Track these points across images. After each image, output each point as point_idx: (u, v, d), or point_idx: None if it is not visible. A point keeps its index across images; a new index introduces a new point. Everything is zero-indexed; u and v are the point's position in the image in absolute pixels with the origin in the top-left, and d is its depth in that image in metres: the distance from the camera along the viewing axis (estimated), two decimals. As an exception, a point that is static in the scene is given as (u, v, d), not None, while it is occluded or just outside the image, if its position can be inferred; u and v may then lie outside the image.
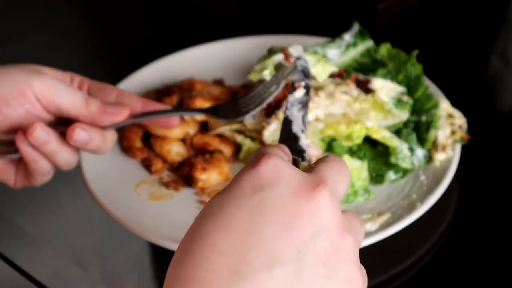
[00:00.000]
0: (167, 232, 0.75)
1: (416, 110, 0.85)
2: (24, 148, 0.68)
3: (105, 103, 0.71)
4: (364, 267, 0.48)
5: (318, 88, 0.84)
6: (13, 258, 0.77)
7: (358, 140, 0.82)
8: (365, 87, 0.83)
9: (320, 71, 0.82)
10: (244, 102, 0.77)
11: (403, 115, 0.83)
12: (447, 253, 0.77)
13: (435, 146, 0.83)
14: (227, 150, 0.86)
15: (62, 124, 0.71)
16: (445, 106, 0.86)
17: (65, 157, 0.70)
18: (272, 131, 0.83)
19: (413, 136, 0.83)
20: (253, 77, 0.83)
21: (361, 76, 0.85)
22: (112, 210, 0.77)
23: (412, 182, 0.81)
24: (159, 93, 0.93)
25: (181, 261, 0.45)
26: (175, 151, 0.85)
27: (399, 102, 0.83)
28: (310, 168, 0.49)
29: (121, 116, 0.72)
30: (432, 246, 0.78)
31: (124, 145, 0.87)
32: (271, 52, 0.85)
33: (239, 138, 0.86)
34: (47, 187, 0.75)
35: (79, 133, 0.69)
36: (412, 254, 0.77)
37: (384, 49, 0.91)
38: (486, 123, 0.93)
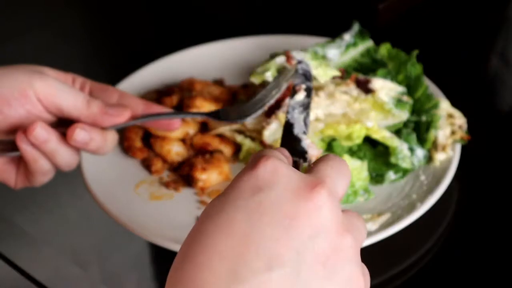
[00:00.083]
0: (167, 232, 0.75)
1: (416, 110, 0.85)
2: (24, 147, 0.68)
3: (106, 104, 0.71)
4: (364, 267, 0.48)
5: (318, 88, 0.84)
6: (13, 258, 0.77)
7: (358, 140, 0.82)
8: (365, 87, 0.83)
9: (322, 74, 0.82)
10: (246, 107, 0.77)
11: (403, 115, 0.83)
12: (447, 253, 0.77)
13: (435, 146, 0.83)
14: (227, 150, 0.86)
15: (63, 125, 0.71)
16: (445, 106, 0.86)
17: (65, 157, 0.70)
18: (272, 131, 0.83)
19: (413, 136, 0.83)
20: (255, 79, 0.83)
21: (361, 76, 0.85)
22: (112, 210, 0.77)
23: (412, 182, 0.81)
24: (159, 93, 0.93)
25: (182, 263, 0.45)
26: (175, 151, 0.85)
27: (399, 102, 0.83)
28: (310, 168, 0.49)
29: (122, 117, 0.72)
30: (432, 246, 0.78)
31: (124, 145, 0.87)
32: (273, 56, 0.85)
33: (239, 138, 0.86)
34: (47, 187, 0.75)
35: (79, 133, 0.69)
36: (412, 254, 0.77)
37: (384, 49, 0.91)
38: (486, 123, 0.93)
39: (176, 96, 0.90)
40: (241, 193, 0.46)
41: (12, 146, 0.69)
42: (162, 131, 0.83)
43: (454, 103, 0.86)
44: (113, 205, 0.77)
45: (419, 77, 0.87)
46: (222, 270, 0.43)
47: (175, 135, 0.86)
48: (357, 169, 0.81)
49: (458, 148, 0.82)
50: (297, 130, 0.61)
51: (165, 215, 0.79)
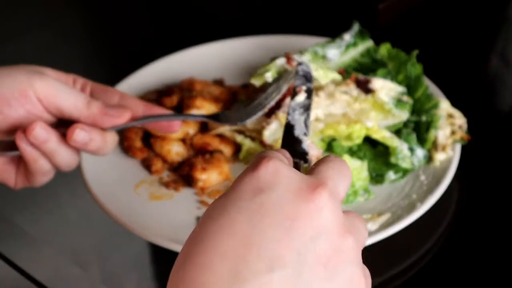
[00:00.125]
0: (167, 232, 0.75)
1: (416, 110, 0.85)
2: (24, 146, 0.68)
3: (106, 105, 0.71)
4: (364, 267, 0.48)
5: (318, 88, 0.84)
6: (13, 258, 0.77)
7: (358, 140, 0.82)
8: (365, 87, 0.83)
9: (322, 76, 0.82)
10: (247, 110, 0.77)
11: (403, 115, 0.84)
12: (447, 253, 0.77)
13: (435, 146, 0.83)
14: (227, 150, 0.86)
15: (63, 125, 0.71)
16: (445, 106, 0.86)
17: (65, 157, 0.70)
18: (272, 131, 0.83)
19: (413, 136, 0.83)
20: (256, 81, 0.83)
21: (361, 76, 0.85)
22: (112, 210, 0.77)
23: (412, 182, 0.81)
24: (159, 93, 0.93)
25: (184, 264, 0.45)
26: (175, 151, 0.85)
27: (399, 102, 0.83)
28: (311, 170, 0.49)
29: (122, 118, 0.72)
30: (432, 246, 0.78)
31: (124, 145, 0.87)
32: (274, 59, 0.85)
33: (239, 138, 0.86)
34: (47, 187, 0.75)
35: (79, 134, 0.69)
36: (412, 254, 0.77)
37: (384, 49, 0.91)
38: (486, 123, 0.93)
39: (176, 96, 0.90)
40: (243, 194, 0.46)
41: (12, 146, 0.69)
42: (163, 132, 0.83)
43: (454, 103, 0.86)
44: (113, 205, 0.77)
45: (419, 77, 0.87)
46: (224, 270, 0.43)
47: (175, 135, 0.86)
48: (357, 169, 0.81)
49: (458, 148, 0.82)
50: (298, 131, 0.61)
51: (165, 215, 0.79)
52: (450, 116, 0.85)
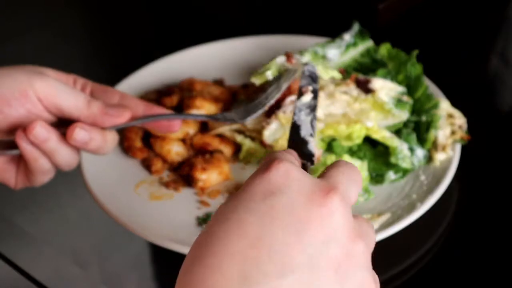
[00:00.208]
0: (167, 232, 0.75)
1: (416, 110, 0.85)
2: (24, 145, 0.68)
3: (107, 105, 0.71)
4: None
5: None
6: (13, 258, 0.77)
7: (358, 140, 0.82)
8: (365, 87, 0.83)
9: (322, 72, 0.82)
10: (246, 109, 0.77)
11: (403, 115, 0.84)
12: (447, 253, 0.77)
13: (435, 146, 0.83)
14: (227, 150, 0.86)
15: (63, 125, 0.71)
16: (445, 106, 0.86)
17: (65, 156, 0.70)
18: (272, 131, 0.83)
19: (413, 136, 0.83)
20: (256, 79, 0.83)
21: (361, 76, 0.85)
22: (112, 210, 0.77)
23: (412, 182, 0.81)
24: (159, 93, 0.93)
25: (192, 265, 0.44)
26: (175, 151, 0.85)
27: (399, 102, 0.83)
28: (322, 173, 0.49)
29: (122, 118, 0.72)
30: (432, 246, 0.78)
31: (124, 145, 0.87)
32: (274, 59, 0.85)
33: (239, 138, 0.86)
34: (47, 187, 0.75)
35: (79, 133, 0.69)
36: (412, 254, 0.77)
37: (384, 49, 0.91)
38: (486, 123, 0.93)
39: (176, 96, 0.90)
40: (253, 196, 0.45)
41: (12, 145, 0.69)
42: (163, 132, 0.83)
43: (454, 103, 0.86)
44: (113, 205, 0.77)
45: (419, 77, 0.87)
46: (234, 273, 0.43)
47: (175, 135, 0.86)
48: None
49: (458, 148, 0.82)
50: (304, 132, 0.61)
51: (165, 215, 0.79)
52: (450, 116, 0.85)
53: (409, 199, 0.78)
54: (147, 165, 0.85)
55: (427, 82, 0.89)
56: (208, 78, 0.97)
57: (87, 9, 1.26)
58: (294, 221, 0.44)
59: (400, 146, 0.82)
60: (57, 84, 0.70)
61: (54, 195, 0.85)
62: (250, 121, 0.84)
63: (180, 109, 0.89)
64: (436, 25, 1.12)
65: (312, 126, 0.62)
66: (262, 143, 0.83)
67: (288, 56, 0.82)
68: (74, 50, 1.15)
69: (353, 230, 0.46)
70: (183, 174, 0.84)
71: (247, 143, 0.85)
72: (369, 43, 0.92)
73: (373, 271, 0.47)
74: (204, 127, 0.88)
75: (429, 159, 0.83)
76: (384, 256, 0.76)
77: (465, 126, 0.84)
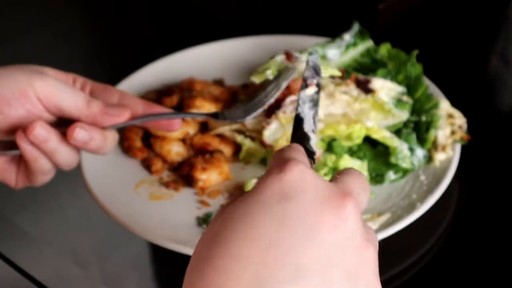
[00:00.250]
0: (167, 232, 0.75)
1: (416, 110, 0.85)
2: (24, 146, 0.68)
3: (106, 104, 0.71)
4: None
5: (318, 88, 0.84)
6: (13, 258, 0.77)
7: (358, 140, 0.82)
8: (365, 87, 0.83)
9: (322, 69, 0.82)
10: (246, 108, 0.77)
11: (403, 115, 0.84)
12: (447, 253, 0.77)
13: (435, 146, 0.83)
14: (227, 150, 0.86)
15: (63, 124, 0.71)
16: (445, 106, 0.86)
17: (65, 156, 0.70)
18: (272, 131, 0.83)
19: (413, 136, 0.83)
20: (256, 78, 0.83)
21: (361, 76, 0.85)
22: (112, 210, 0.77)
23: (412, 182, 0.81)
24: (159, 93, 0.93)
25: (202, 266, 0.44)
26: (175, 151, 0.85)
27: (399, 102, 0.83)
28: (334, 179, 0.49)
29: (122, 117, 0.71)
30: (432, 246, 0.78)
31: (124, 145, 0.87)
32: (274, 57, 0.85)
33: (239, 138, 0.86)
34: (47, 187, 0.75)
35: (79, 132, 0.69)
36: (412, 254, 0.77)
37: (384, 49, 0.91)
38: (486, 123, 0.93)
39: (176, 96, 0.90)
40: (268, 198, 0.45)
41: (12, 146, 0.69)
42: (163, 131, 0.83)
43: (454, 103, 0.86)
44: (113, 205, 0.77)
45: (419, 77, 0.87)
46: (246, 277, 0.42)
47: (175, 135, 0.86)
48: (357, 169, 0.81)
49: (458, 148, 0.82)
50: (307, 127, 0.60)
51: (165, 215, 0.79)
52: (450, 116, 0.85)
53: (409, 199, 0.78)
54: (147, 165, 0.85)
55: (427, 82, 0.89)
56: (208, 78, 0.97)
57: (87, 9, 1.26)
58: (309, 226, 0.44)
59: (400, 146, 0.82)
60: (57, 84, 0.70)
61: (54, 195, 0.85)
62: (250, 121, 0.84)
63: (180, 109, 0.89)
64: (436, 25, 1.12)
65: (314, 122, 0.61)
66: (262, 143, 0.83)
67: (288, 54, 0.82)
68: (74, 50, 1.15)
69: (364, 236, 0.45)
70: (183, 174, 0.84)
71: (247, 143, 0.85)
72: (369, 43, 0.92)
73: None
74: (204, 127, 0.88)
75: (429, 159, 0.83)
76: (384, 256, 0.76)
77: (465, 126, 0.84)
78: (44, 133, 0.68)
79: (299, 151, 0.50)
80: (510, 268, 0.75)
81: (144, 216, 0.77)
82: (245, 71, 0.97)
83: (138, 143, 0.86)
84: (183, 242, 0.73)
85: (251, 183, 0.81)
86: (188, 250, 0.72)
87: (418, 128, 0.84)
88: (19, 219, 0.83)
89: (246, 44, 1.02)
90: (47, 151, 0.69)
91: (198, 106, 0.87)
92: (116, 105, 0.72)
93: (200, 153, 0.86)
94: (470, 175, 0.85)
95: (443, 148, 0.82)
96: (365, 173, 0.81)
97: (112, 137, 0.73)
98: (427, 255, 0.77)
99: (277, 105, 0.83)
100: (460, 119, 0.85)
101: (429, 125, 0.83)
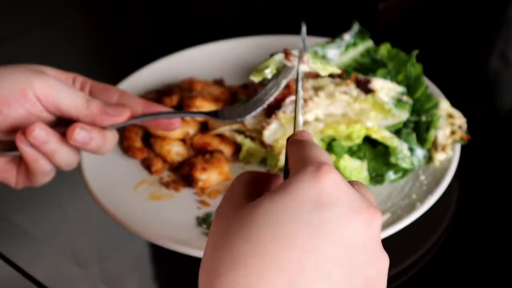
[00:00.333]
0: (167, 232, 0.75)
1: (416, 110, 0.85)
2: (24, 147, 0.68)
3: (106, 104, 0.71)
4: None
5: (318, 88, 0.84)
6: (13, 258, 0.77)
7: (358, 140, 0.82)
8: (365, 87, 0.83)
9: (321, 68, 0.81)
10: (246, 106, 0.77)
11: (403, 115, 0.84)
12: (447, 253, 0.77)
13: (435, 146, 0.83)
14: (227, 150, 0.86)
15: (63, 124, 0.71)
16: (445, 106, 0.86)
17: (65, 157, 0.70)
18: (272, 131, 0.83)
19: (413, 136, 0.83)
20: (255, 77, 0.83)
21: (361, 76, 0.85)
22: (112, 210, 0.77)
23: (412, 182, 0.81)
24: (159, 93, 0.93)
25: (231, 270, 0.44)
26: (175, 151, 0.85)
27: (399, 102, 0.83)
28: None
29: (122, 117, 0.71)
30: (432, 246, 0.78)
31: (124, 145, 0.87)
32: (273, 55, 0.85)
33: (239, 138, 0.86)
34: (47, 187, 0.75)
35: (79, 133, 0.69)
36: (412, 254, 0.77)
37: (384, 49, 0.91)
38: (486, 123, 0.93)
39: (176, 96, 0.90)
40: (303, 204, 0.44)
41: (12, 146, 0.69)
42: (162, 130, 0.83)
43: (454, 103, 0.87)
44: (113, 205, 0.77)
45: (419, 77, 0.87)
46: (279, 283, 0.43)
47: (175, 135, 0.86)
48: (357, 169, 0.81)
49: (458, 148, 0.82)
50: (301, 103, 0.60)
51: (165, 215, 0.79)
52: (450, 116, 0.85)
53: (409, 199, 0.78)
54: (147, 165, 0.85)
55: (427, 82, 0.89)
56: (208, 78, 0.97)
57: (87, 9, 1.26)
58: (343, 238, 0.44)
59: (400, 146, 0.82)
60: (56, 84, 0.69)
61: (54, 195, 0.85)
62: (250, 121, 0.84)
63: (180, 109, 0.89)
64: (436, 25, 1.12)
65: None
66: (262, 143, 0.83)
67: (287, 53, 0.82)
68: (74, 50, 1.15)
69: (382, 247, 0.46)
70: (183, 174, 0.84)
71: (247, 143, 0.85)
72: (369, 43, 0.92)
73: None
74: (204, 127, 0.88)
75: (429, 159, 0.83)
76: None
77: (465, 126, 0.84)
78: (43, 134, 0.68)
79: (323, 150, 0.49)
80: (510, 268, 0.75)
81: (144, 216, 0.77)
82: (245, 71, 0.97)
83: (138, 143, 0.86)
84: (183, 242, 0.73)
85: None
86: (188, 250, 0.72)
87: (418, 128, 0.84)
88: (19, 219, 0.83)
89: (246, 44, 1.02)
90: (47, 152, 0.69)
91: (198, 106, 0.87)
92: (116, 104, 0.72)
93: (200, 153, 0.86)
94: (470, 175, 0.85)
95: (443, 148, 0.82)
96: (365, 173, 0.81)
97: (112, 137, 0.73)
98: (427, 255, 0.77)
99: (277, 105, 0.83)
100: (460, 119, 0.85)
101: (429, 125, 0.83)
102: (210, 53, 1.01)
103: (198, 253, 0.72)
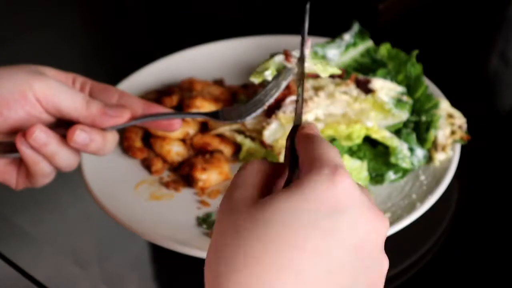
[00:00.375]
0: (167, 232, 0.75)
1: (416, 110, 0.85)
2: (24, 150, 0.68)
3: (106, 105, 0.71)
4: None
5: (318, 88, 0.84)
6: (13, 258, 0.77)
7: (358, 140, 0.82)
8: (365, 87, 0.83)
9: (322, 69, 0.81)
10: (246, 107, 0.77)
11: (403, 115, 0.84)
12: (447, 253, 0.77)
13: (435, 146, 0.83)
14: (227, 150, 0.86)
15: (63, 125, 0.71)
16: (445, 106, 0.86)
17: (65, 158, 0.70)
18: (272, 131, 0.83)
19: (413, 136, 0.83)
20: (255, 79, 0.83)
21: (361, 76, 0.85)
22: (112, 210, 0.77)
23: (412, 182, 0.81)
24: (159, 93, 0.93)
25: (239, 263, 0.44)
26: (175, 151, 0.85)
27: (399, 102, 0.83)
28: None
29: (122, 118, 0.71)
30: (432, 246, 0.78)
31: (124, 145, 0.87)
32: (273, 55, 0.85)
33: (239, 138, 0.86)
34: (47, 187, 0.75)
35: (79, 135, 0.69)
36: (412, 254, 0.77)
37: (384, 49, 0.91)
38: (486, 123, 0.93)
39: (176, 96, 0.90)
40: (318, 208, 0.45)
41: (12, 148, 0.69)
42: (162, 131, 0.83)
43: (454, 103, 0.86)
44: (113, 205, 0.77)
45: (419, 77, 0.87)
46: (289, 284, 0.43)
47: (175, 135, 0.86)
48: (357, 169, 0.81)
49: (458, 148, 0.82)
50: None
51: (165, 215, 0.79)
52: (450, 116, 0.85)
53: (409, 199, 0.78)
54: (147, 165, 0.85)
55: (427, 82, 0.89)
56: (208, 78, 0.97)
57: (87, 9, 1.26)
58: (353, 241, 0.45)
59: (400, 146, 0.82)
60: (56, 85, 0.69)
61: (55, 195, 0.85)
62: (250, 121, 0.84)
63: (180, 109, 0.89)
64: (436, 25, 1.12)
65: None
66: (262, 143, 0.83)
67: (287, 55, 0.82)
68: (74, 50, 1.15)
69: (383, 250, 0.48)
70: (183, 174, 0.84)
71: (247, 143, 0.85)
72: (369, 43, 0.92)
73: None
74: (204, 127, 0.88)
75: (429, 159, 0.83)
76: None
77: (465, 126, 0.84)
78: (43, 136, 0.68)
79: (335, 149, 0.50)
80: (510, 268, 0.75)
81: (144, 216, 0.77)
82: (245, 71, 0.97)
83: (138, 143, 0.86)
84: (183, 242, 0.73)
85: None
86: (188, 250, 0.72)
87: (418, 128, 0.84)
88: (19, 219, 0.83)
89: (246, 44, 1.02)
90: (47, 155, 0.69)
91: (198, 106, 0.87)
92: (116, 105, 0.72)
93: (200, 153, 0.86)
94: (470, 175, 0.85)
95: (443, 148, 0.82)
96: (365, 173, 0.81)
97: (112, 138, 0.72)
98: (427, 255, 0.77)
99: (277, 105, 0.83)
100: (460, 119, 0.85)
101: (429, 125, 0.83)
102: (210, 53, 1.01)
103: (198, 253, 0.72)
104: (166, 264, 0.79)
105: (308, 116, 0.82)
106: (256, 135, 0.85)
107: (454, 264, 0.76)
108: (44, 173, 0.70)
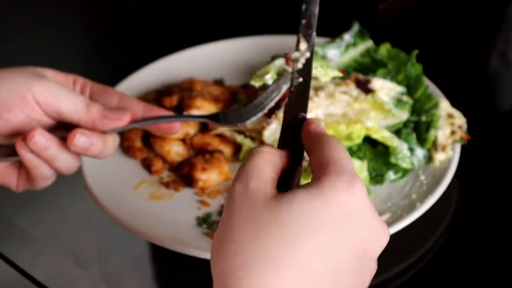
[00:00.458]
0: (167, 232, 0.75)
1: (416, 110, 0.85)
2: (24, 153, 0.68)
3: (106, 108, 0.70)
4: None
5: (318, 88, 0.84)
6: (13, 258, 0.77)
7: (358, 140, 0.82)
8: (365, 87, 0.83)
9: (322, 73, 0.82)
10: (246, 109, 0.77)
11: (403, 115, 0.84)
12: (447, 253, 0.77)
13: (435, 146, 0.83)
14: (227, 150, 0.86)
15: (63, 128, 0.71)
16: (445, 106, 0.86)
17: (65, 162, 0.70)
18: (272, 131, 0.83)
19: (413, 136, 0.83)
20: (255, 82, 0.83)
21: (361, 76, 0.85)
22: (112, 210, 0.77)
23: (412, 182, 0.81)
24: (159, 93, 0.93)
25: (257, 262, 0.46)
26: (175, 151, 0.85)
27: (399, 102, 0.83)
28: None
29: (122, 121, 0.70)
30: (432, 246, 0.78)
31: (124, 145, 0.87)
32: (274, 58, 0.85)
33: (239, 138, 0.86)
34: (47, 188, 0.75)
35: (79, 139, 0.68)
36: (412, 254, 0.77)
37: (384, 49, 0.91)
38: (486, 123, 0.93)
39: (176, 96, 0.90)
40: (336, 215, 0.47)
41: (12, 151, 0.69)
42: (162, 134, 0.83)
43: (454, 103, 0.86)
44: (113, 205, 0.77)
45: (419, 77, 0.87)
46: (304, 285, 0.46)
47: (175, 135, 0.86)
48: (357, 169, 0.81)
49: (458, 148, 0.82)
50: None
51: (165, 215, 0.79)
52: (450, 116, 0.85)
53: (409, 199, 0.78)
54: (147, 165, 0.85)
55: (427, 82, 0.89)
56: (208, 78, 0.97)
57: (87, 9, 1.26)
58: (360, 250, 0.48)
59: (400, 146, 0.82)
60: (56, 87, 0.69)
61: (55, 195, 0.85)
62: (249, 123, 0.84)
63: (180, 109, 0.89)
64: (436, 25, 1.12)
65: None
66: (262, 143, 0.83)
67: (287, 58, 0.82)
68: (74, 50, 1.15)
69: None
70: (183, 174, 0.84)
71: (247, 143, 0.85)
72: (369, 43, 0.92)
73: None
74: (204, 127, 0.88)
75: (429, 159, 0.83)
76: (384, 256, 0.76)
77: (465, 126, 0.84)
78: (43, 140, 0.67)
79: (346, 151, 0.51)
80: (510, 268, 0.75)
81: (144, 216, 0.77)
82: (245, 71, 0.97)
83: (138, 143, 0.86)
84: (183, 242, 0.73)
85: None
86: (188, 250, 0.72)
87: (418, 128, 0.84)
88: (19, 219, 0.83)
89: (246, 44, 1.02)
90: (47, 158, 0.69)
91: (198, 106, 0.87)
92: (116, 108, 0.71)
93: (200, 153, 0.86)
94: (470, 175, 0.85)
95: (443, 148, 0.82)
96: (365, 173, 0.81)
97: (113, 141, 0.72)
98: (427, 255, 0.77)
99: (277, 105, 0.82)
100: (460, 119, 0.85)
101: (429, 125, 0.84)
102: (210, 53, 1.01)
103: (198, 253, 0.72)
104: (166, 264, 0.79)
105: (308, 116, 0.82)
106: (256, 135, 0.85)
107: (454, 264, 0.76)
108: (44, 176, 0.70)
